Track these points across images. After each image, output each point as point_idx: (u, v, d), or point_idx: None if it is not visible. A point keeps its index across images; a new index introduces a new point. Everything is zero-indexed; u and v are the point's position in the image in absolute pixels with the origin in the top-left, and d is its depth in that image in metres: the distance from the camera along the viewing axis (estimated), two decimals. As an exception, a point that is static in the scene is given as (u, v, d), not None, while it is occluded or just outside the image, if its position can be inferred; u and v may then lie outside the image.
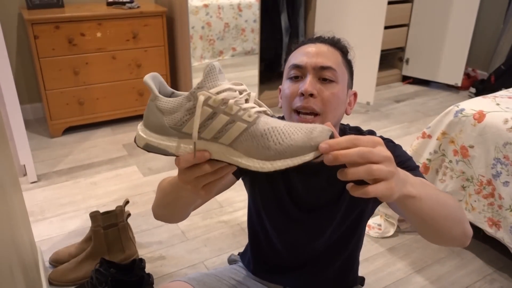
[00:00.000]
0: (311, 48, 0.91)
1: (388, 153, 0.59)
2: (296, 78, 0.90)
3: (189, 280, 1.06)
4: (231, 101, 0.59)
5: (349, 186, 0.60)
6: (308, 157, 0.58)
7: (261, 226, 1.11)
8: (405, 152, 0.96)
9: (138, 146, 0.65)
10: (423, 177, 0.89)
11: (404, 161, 0.93)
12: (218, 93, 0.59)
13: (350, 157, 0.57)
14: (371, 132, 1.03)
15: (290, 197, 1.01)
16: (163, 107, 0.62)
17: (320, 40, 0.94)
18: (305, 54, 0.90)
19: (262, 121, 0.60)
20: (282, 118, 0.92)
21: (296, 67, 0.90)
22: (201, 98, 0.59)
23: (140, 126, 0.65)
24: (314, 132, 0.58)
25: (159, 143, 0.63)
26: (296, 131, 0.59)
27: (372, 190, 0.58)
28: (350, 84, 0.97)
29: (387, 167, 0.58)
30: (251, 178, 1.06)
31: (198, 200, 0.89)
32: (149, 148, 0.64)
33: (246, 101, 0.62)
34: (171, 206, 0.84)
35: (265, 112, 0.62)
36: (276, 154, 0.58)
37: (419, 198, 0.67)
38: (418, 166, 0.96)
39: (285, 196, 1.01)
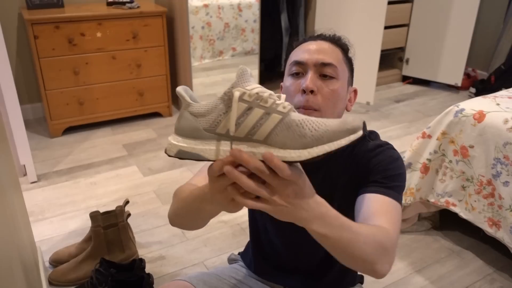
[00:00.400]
0: (312, 45, 0.93)
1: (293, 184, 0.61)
2: (297, 75, 0.92)
3: (189, 279, 1.06)
4: (265, 94, 0.61)
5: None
6: (345, 141, 0.59)
7: (262, 225, 1.11)
8: (398, 168, 0.93)
9: (169, 155, 0.64)
10: (397, 200, 0.88)
11: (388, 175, 0.91)
12: (252, 89, 0.61)
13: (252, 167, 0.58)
14: (373, 133, 1.02)
15: None
16: (196, 111, 0.63)
17: (321, 37, 0.96)
18: (306, 51, 0.92)
19: (294, 114, 0.61)
20: None
21: (297, 63, 0.91)
22: (237, 93, 0.60)
23: (171, 136, 0.65)
24: (348, 119, 0.60)
25: (193, 148, 0.63)
26: (329, 120, 0.61)
27: (251, 204, 0.61)
28: (351, 81, 0.98)
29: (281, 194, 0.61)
30: None
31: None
32: (182, 154, 0.63)
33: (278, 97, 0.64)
34: (191, 217, 0.81)
35: (292, 110, 0.63)
36: (313, 140, 0.59)
37: (325, 236, 0.69)
38: (398, 187, 0.91)
39: None
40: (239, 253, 1.26)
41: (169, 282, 1.06)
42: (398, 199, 0.90)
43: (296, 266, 1.10)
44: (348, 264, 0.76)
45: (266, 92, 0.62)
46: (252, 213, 1.12)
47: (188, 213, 0.81)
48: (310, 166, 0.97)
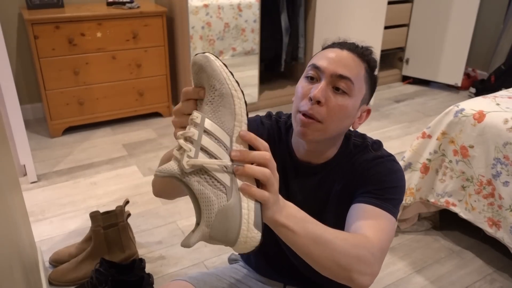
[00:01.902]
0: (336, 53, 0.88)
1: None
2: (311, 79, 0.89)
3: (189, 279, 1.06)
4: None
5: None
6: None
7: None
8: (396, 181, 0.92)
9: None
10: (389, 212, 0.87)
11: (384, 187, 0.90)
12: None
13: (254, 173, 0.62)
14: (376, 143, 0.99)
15: (287, 196, 1.01)
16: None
17: (349, 47, 0.90)
18: (327, 58, 0.88)
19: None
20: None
21: (315, 68, 0.88)
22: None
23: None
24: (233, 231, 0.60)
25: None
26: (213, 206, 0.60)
27: (253, 191, 0.62)
28: (367, 100, 0.94)
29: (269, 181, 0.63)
30: None
31: None
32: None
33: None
34: (163, 182, 0.89)
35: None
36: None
37: (291, 231, 0.68)
38: (393, 200, 0.90)
39: (284, 195, 1.01)
40: (239, 253, 1.26)
41: (169, 282, 1.07)
42: (391, 211, 0.88)
43: (295, 265, 1.11)
44: (321, 271, 0.74)
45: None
46: None
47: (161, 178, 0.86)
48: (308, 171, 0.97)
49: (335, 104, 0.86)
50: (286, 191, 1.01)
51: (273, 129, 1.03)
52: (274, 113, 1.08)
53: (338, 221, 0.97)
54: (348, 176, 0.95)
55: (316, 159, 0.96)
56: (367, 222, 0.84)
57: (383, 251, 0.81)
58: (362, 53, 0.90)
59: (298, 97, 0.90)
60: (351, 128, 0.96)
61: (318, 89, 0.85)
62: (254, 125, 1.05)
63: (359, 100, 0.90)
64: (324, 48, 0.93)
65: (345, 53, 0.88)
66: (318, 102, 0.85)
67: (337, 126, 0.89)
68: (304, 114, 0.87)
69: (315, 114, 0.85)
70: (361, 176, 0.93)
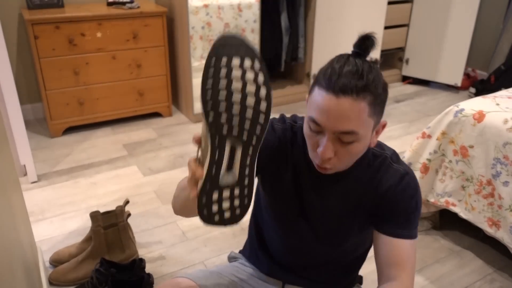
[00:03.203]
0: (331, 103, 0.79)
1: None
2: (315, 128, 0.85)
3: (191, 276, 1.07)
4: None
5: None
6: None
7: (267, 225, 1.12)
8: (418, 203, 0.96)
9: None
10: (415, 237, 0.95)
11: (411, 217, 0.95)
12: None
13: None
14: (394, 154, 0.99)
15: (301, 206, 1.02)
16: None
17: (344, 90, 0.78)
18: (325, 112, 0.80)
19: None
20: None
21: (315, 122, 0.83)
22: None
23: None
24: None
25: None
26: None
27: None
28: (379, 121, 0.87)
29: None
30: (269, 178, 1.04)
31: None
32: None
33: None
34: (181, 203, 0.94)
35: None
36: None
37: None
38: (416, 221, 0.96)
39: (296, 205, 1.02)
40: (239, 251, 1.27)
41: (170, 279, 1.07)
42: (416, 234, 0.96)
43: (297, 266, 1.11)
44: None
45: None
46: (260, 209, 1.13)
47: (178, 199, 0.95)
48: (326, 179, 0.96)
49: (346, 152, 0.84)
50: (300, 201, 1.01)
51: (286, 134, 1.00)
52: (288, 117, 1.04)
53: (360, 230, 1.01)
54: (370, 190, 0.96)
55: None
56: (400, 263, 0.92)
57: (413, 280, 0.94)
58: (362, 88, 0.79)
59: (307, 142, 0.89)
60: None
61: (325, 147, 0.82)
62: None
63: (368, 135, 0.85)
64: (318, 83, 0.83)
65: (341, 102, 0.78)
66: (329, 158, 0.84)
67: (348, 165, 0.90)
68: (316, 164, 0.89)
69: (327, 166, 0.87)
70: (389, 201, 0.94)
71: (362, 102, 0.79)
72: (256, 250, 1.17)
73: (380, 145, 0.99)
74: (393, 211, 0.94)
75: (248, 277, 1.15)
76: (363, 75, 0.79)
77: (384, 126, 0.91)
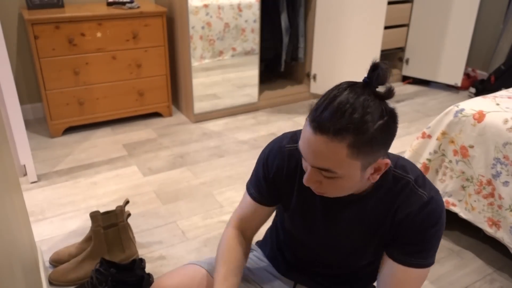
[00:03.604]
0: (310, 139, 0.77)
1: None
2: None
3: (202, 264, 1.08)
4: None
5: None
6: None
7: (284, 233, 1.11)
8: (441, 228, 0.89)
9: None
10: (432, 262, 0.90)
11: (431, 244, 0.89)
12: None
13: None
14: (420, 177, 0.91)
15: (310, 230, 1.01)
16: None
17: (322, 128, 0.75)
18: (305, 144, 0.79)
19: None
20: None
21: (299, 149, 0.83)
22: None
23: None
24: None
25: None
26: None
27: None
28: (373, 159, 0.80)
29: None
30: (281, 198, 1.04)
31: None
32: None
33: None
34: None
35: None
36: None
37: None
38: (436, 247, 0.91)
39: (306, 228, 1.02)
40: (256, 243, 1.26)
41: (181, 266, 1.07)
42: (431, 262, 0.91)
43: (310, 272, 1.11)
44: None
45: None
46: (281, 217, 1.11)
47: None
48: (340, 203, 0.93)
49: (329, 185, 0.82)
50: (310, 223, 0.99)
51: (296, 157, 0.96)
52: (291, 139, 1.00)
53: (375, 253, 0.97)
54: (388, 217, 0.91)
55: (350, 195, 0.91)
56: None
57: None
58: (340, 129, 0.74)
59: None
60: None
61: (307, 175, 0.82)
62: (273, 157, 0.99)
63: (355, 174, 0.80)
64: (308, 116, 0.80)
65: (318, 139, 0.75)
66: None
67: (348, 192, 0.85)
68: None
69: (320, 191, 0.84)
70: (407, 231, 0.89)
71: (340, 143, 0.74)
72: (275, 251, 1.16)
73: (404, 166, 0.91)
74: (408, 239, 0.89)
75: (260, 271, 1.15)
76: (345, 115, 0.73)
77: (386, 165, 0.83)
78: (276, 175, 0.98)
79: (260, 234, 1.25)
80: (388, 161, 0.82)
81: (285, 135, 1.01)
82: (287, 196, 1.00)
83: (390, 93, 0.78)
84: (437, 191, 0.90)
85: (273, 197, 1.02)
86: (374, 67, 0.77)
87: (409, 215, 0.88)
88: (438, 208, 0.88)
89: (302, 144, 0.80)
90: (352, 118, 0.73)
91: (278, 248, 1.16)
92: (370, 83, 0.77)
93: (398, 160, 0.93)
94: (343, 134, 0.74)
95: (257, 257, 1.19)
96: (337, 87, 0.78)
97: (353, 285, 1.10)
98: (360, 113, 0.74)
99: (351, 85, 0.78)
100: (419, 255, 0.89)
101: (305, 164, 0.84)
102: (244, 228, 1.07)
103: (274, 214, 1.17)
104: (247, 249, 1.07)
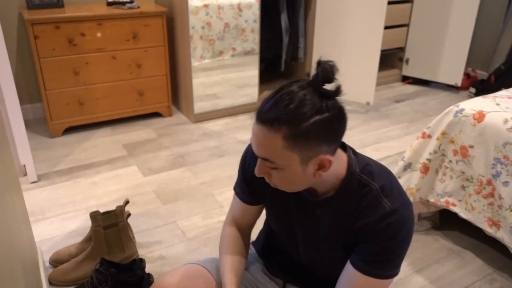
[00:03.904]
0: (253, 130, 0.83)
1: None
2: None
3: (203, 263, 1.08)
4: None
5: None
6: None
7: (272, 230, 1.14)
8: (405, 243, 0.88)
9: None
10: (392, 275, 0.90)
11: (392, 255, 0.88)
12: None
13: None
14: (385, 187, 0.89)
15: (289, 230, 1.03)
16: None
17: (262, 121, 0.80)
18: (252, 137, 0.85)
19: None
20: None
21: None
22: None
23: None
24: None
25: None
26: None
27: None
28: (315, 153, 0.81)
29: None
30: (268, 200, 1.07)
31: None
32: None
33: None
34: None
35: None
36: None
37: None
38: (399, 260, 0.90)
39: (286, 229, 1.04)
40: (251, 242, 1.27)
41: (182, 265, 1.08)
42: (392, 274, 0.90)
43: (297, 271, 1.11)
44: None
45: None
46: (269, 223, 1.14)
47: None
48: (310, 205, 0.95)
49: (276, 177, 0.85)
50: (288, 220, 1.02)
51: None
52: None
53: (347, 255, 0.97)
54: (351, 220, 0.91)
55: (320, 188, 0.93)
56: None
57: None
58: (274, 120, 0.77)
59: None
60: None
61: (257, 167, 0.87)
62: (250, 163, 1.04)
63: (294, 166, 0.81)
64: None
65: (259, 130, 0.80)
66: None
67: (298, 187, 0.88)
68: None
69: (272, 184, 0.88)
70: (364, 240, 0.89)
71: (276, 134, 0.78)
72: (265, 250, 1.19)
73: (371, 173, 0.90)
74: (366, 247, 0.88)
75: (256, 271, 1.16)
76: (281, 106, 0.77)
77: (329, 162, 0.82)
78: (253, 176, 1.02)
79: (255, 235, 1.25)
80: (330, 158, 0.82)
81: None
82: (265, 195, 1.04)
83: (336, 91, 0.79)
84: (405, 203, 0.88)
85: (255, 197, 1.07)
86: (317, 65, 0.80)
87: (367, 224, 0.87)
88: (400, 221, 0.86)
89: (252, 135, 0.84)
90: (287, 109, 0.77)
91: (268, 247, 1.17)
92: (316, 80, 0.79)
93: (367, 166, 0.91)
94: (279, 124, 0.77)
95: (251, 257, 1.21)
96: (289, 81, 0.82)
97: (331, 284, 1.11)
98: (295, 105, 0.76)
99: (299, 80, 0.81)
100: (377, 265, 0.88)
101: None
102: (239, 225, 1.13)
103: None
104: (246, 242, 1.12)
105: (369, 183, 0.89)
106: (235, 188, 1.11)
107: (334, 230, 0.94)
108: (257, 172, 0.86)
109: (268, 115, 0.78)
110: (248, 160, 1.03)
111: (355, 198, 0.89)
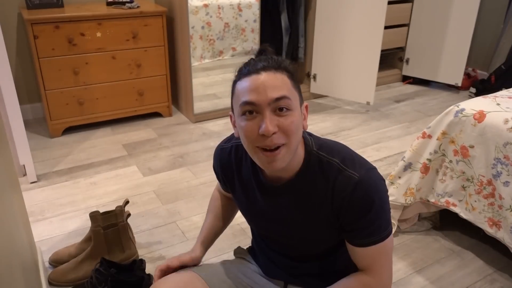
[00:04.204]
0: (258, 80, 0.85)
1: None
2: (251, 113, 0.86)
3: (197, 270, 1.09)
4: None
5: None
6: None
7: (251, 227, 1.19)
8: (383, 203, 0.92)
9: None
10: (383, 239, 0.93)
11: (376, 220, 0.92)
12: None
13: None
14: (347, 159, 0.94)
15: (254, 215, 1.07)
16: None
17: (264, 68, 0.87)
18: (254, 89, 0.85)
19: None
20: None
21: (249, 103, 0.86)
22: None
23: None
24: None
25: None
26: None
27: None
28: (301, 100, 0.93)
29: None
30: (232, 191, 1.13)
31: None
32: None
33: None
34: None
35: None
36: None
37: None
38: (386, 220, 0.94)
39: (253, 214, 1.08)
40: (247, 248, 1.27)
41: (177, 272, 1.07)
42: (388, 232, 0.94)
43: (291, 268, 1.11)
44: None
45: None
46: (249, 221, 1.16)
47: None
48: (276, 191, 0.97)
49: (287, 124, 0.85)
50: (260, 214, 1.04)
51: (230, 154, 1.07)
52: (234, 137, 1.09)
53: (331, 237, 1.00)
54: (330, 204, 0.93)
55: (283, 173, 0.95)
56: (368, 266, 0.95)
57: (389, 279, 0.97)
58: (278, 65, 0.88)
59: (247, 136, 0.88)
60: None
61: (266, 123, 0.84)
62: (216, 158, 1.13)
63: (299, 108, 0.90)
64: (239, 79, 0.90)
65: (265, 76, 0.86)
66: (274, 133, 0.85)
67: (296, 140, 0.89)
68: (266, 150, 0.87)
69: (276, 142, 0.86)
70: (348, 215, 0.92)
71: (282, 74, 0.87)
72: (257, 254, 1.19)
73: (329, 149, 0.96)
74: (353, 223, 0.92)
75: (254, 275, 1.16)
76: (274, 59, 0.89)
77: (307, 108, 0.95)
78: (220, 170, 1.11)
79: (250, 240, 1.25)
80: (307, 104, 0.94)
81: (222, 140, 1.15)
82: (233, 187, 1.08)
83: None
84: (370, 168, 0.93)
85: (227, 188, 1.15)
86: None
87: (344, 199, 0.90)
88: (369, 188, 0.90)
89: (250, 93, 0.85)
90: (279, 59, 0.89)
91: (259, 250, 1.18)
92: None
93: (324, 144, 0.97)
94: (280, 68, 0.88)
95: (248, 261, 1.21)
96: (248, 67, 0.90)
97: (330, 280, 1.10)
98: (285, 63, 0.90)
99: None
100: (370, 234, 0.92)
101: (255, 126, 0.86)
102: (223, 193, 1.24)
103: None
104: (229, 202, 1.24)
105: (330, 159, 0.94)
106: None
107: (309, 212, 0.96)
108: (269, 126, 0.84)
109: (269, 64, 0.87)
110: (215, 159, 1.13)
111: (321, 176, 0.93)
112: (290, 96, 0.86)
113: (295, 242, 1.04)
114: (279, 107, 0.85)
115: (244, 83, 0.87)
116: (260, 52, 0.93)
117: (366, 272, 0.96)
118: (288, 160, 0.89)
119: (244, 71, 0.89)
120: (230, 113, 0.97)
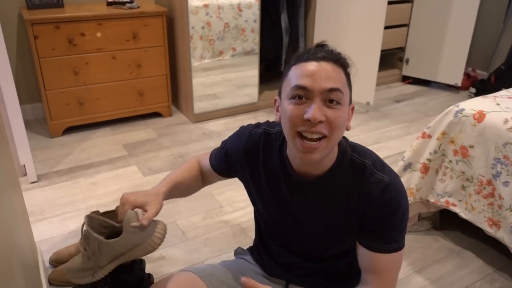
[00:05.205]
0: (315, 67, 0.85)
1: None
2: (300, 99, 0.86)
3: (196, 271, 1.09)
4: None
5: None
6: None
7: (264, 229, 1.15)
8: (401, 220, 0.93)
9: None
10: (396, 250, 0.93)
11: (398, 230, 0.93)
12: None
13: None
14: (377, 163, 0.95)
15: (280, 209, 1.04)
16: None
17: (324, 58, 0.87)
18: (309, 75, 0.85)
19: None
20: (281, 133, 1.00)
21: (301, 88, 0.85)
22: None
23: None
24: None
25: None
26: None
27: None
28: (350, 99, 0.93)
29: None
30: (246, 185, 1.10)
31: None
32: None
33: None
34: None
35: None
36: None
37: None
38: (404, 231, 0.95)
39: (276, 207, 1.05)
40: (248, 248, 1.27)
41: (176, 273, 1.08)
42: (399, 246, 0.94)
43: (296, 267, 1.11)
44: None
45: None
46: (256, 208, 1.14)
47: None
48: (304, 185, 0.96)
49: (334, 116, 0.85)
50: (280, 206, 1.02)
51: (260, 140, 1.05)
52: (264, 123, 1.08)
53: (349, 237, 0.99)
54: (353, 200, 0.93)
55: (314, 170, 0.94)
56: (377, 272, 0.93)
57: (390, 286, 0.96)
58: (336, 58, 0.89)
59: (291, 120, 0.86)
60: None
61: (315, 110, 0.83)
62: (237, 142, 1.10)
63: (348, 105, 0.90)
64: (296, 63, 0.89)
65: (324, 65, 0.86)
66: (320, 122, 0.84)
67: (338, 136, 0.88)
68: (306, 138, 0.85)
69: (322, 130, 0.84)
70: (372, 218, 0.92)
71: (339, 68, 0.88)
72: (260, 252, 1.18)
73: (361, 151, 0.97)
74: (375, 226, 0.93)
75: (254, 275, 1.16)
76: (335, 53, 0.90)
77: (352, 108, 0.95)
78: (242, 152, 1.07)
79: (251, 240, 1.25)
80: (353, 105, 0.94)
81: (250, 124, 1.13)
82: (255, 175, 1.05)
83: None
84: (396, 176, 0.95)
85: (224, 172, 1.16)
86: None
87: (372, 201, 0.91)
88: (398, 193, 0.92)
89: (305, 78, 0.85)
90: (340, 55, 0.90)
91: (263, 250, 1.17)
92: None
93: (356, 146, 0.99)
94: (339, 62, 0.89)
95: (248, 262, 1.20)
96: (309, 54, 0.90)
97: (334, 281, 1.11)
98: (345, 57, 0.91)
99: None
100: (387, 241, 0.92)
101: (301, 111, 0.85)
102: (201, 168, 1.23)
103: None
104: (199, 181, 1.23)
105: (362, 161, 0.95)
106: (212, 153, 1.19)
107: (333, 212, 0.96)
108: (317, 114, 0.83)
109: (327, 55, 0.88)
110: (234, 141, 1.11)
111: (351, 177, 0.93)
112: (343, 90, 0.87)
113: (307, 240, 1.03)
114: (330, 98, 0.85)
115: (301, 68, 0.87)
116: (320, 45, 0.93)
117: (373, 283, 0.94)
118: (325, 154, 0.89)
119: (302, 57, 0.89)
120: (276, 97, 0.96)
